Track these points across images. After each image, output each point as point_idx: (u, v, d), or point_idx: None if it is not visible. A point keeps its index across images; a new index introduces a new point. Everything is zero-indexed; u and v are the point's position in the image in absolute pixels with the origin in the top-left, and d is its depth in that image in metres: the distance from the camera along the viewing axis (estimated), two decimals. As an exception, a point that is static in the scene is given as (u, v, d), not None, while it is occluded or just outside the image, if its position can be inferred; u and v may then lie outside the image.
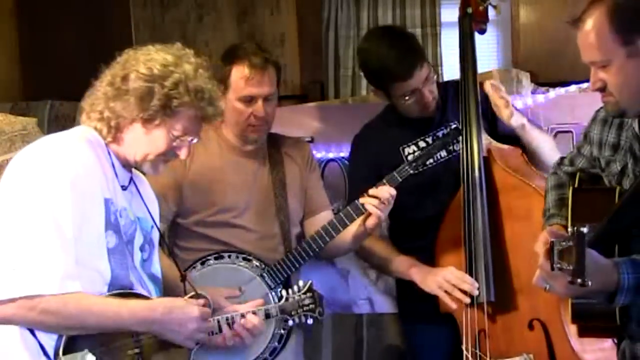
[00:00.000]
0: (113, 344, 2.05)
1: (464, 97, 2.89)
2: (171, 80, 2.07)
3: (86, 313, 1.97)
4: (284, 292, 2.46)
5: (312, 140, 3.53)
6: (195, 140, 2.18)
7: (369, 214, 2.70)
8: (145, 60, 2.09)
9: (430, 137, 2.96)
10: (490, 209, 2.79)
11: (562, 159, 2.54)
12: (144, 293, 2.16)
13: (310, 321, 2.45)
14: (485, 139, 2.88)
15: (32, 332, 1.97)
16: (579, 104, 3.41)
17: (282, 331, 2.73)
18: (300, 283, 2.47)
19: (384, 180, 2.70)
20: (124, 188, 2.15)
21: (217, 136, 2.91)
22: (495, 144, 2.92)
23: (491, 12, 3.03)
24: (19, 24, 4.81)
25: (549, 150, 2.95)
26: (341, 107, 3.83)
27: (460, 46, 2.96)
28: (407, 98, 2.87)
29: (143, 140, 2.11)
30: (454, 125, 2.92)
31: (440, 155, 2.95)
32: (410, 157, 2.91)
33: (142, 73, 2.07)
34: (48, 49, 4.69)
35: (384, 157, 2.91)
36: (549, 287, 2.00)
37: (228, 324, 2.37)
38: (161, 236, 2.33)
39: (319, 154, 3.54)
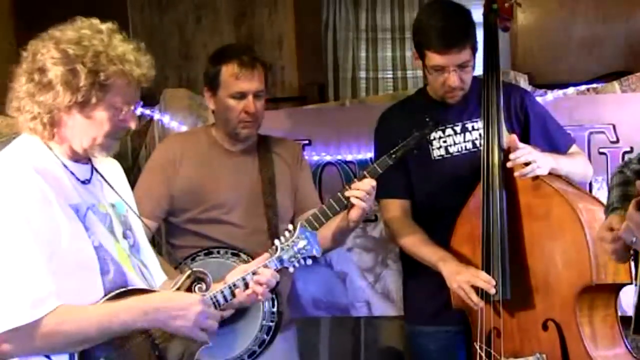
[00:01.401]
0: (127, 345, 2.03)
1: (487, 94, 2.88)
2: (90, 54, 1.97)
3: (84, 325, 1.95)
4: (277, 242, 2.44)
5: (309, 143, 3.54)
6: (137, 109, 2.10)
7: (352, 206, 2.72)
8: (56, 44, 1.99)
9: (459, 126, 2.96)
10: (509, 208, 2.79)
11: (630, 158, 2.55)
12: (142, 285, 2.13)
13: (309, 262, 2.44)
14: (506, 137, 2.87)
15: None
16: (577, 107, 3.41)
17: (270, 323, 2.80)
18: (290, 227, 2.47)
19: (364, 173, 2.72)
20: (86, 182, 2.09)
21: (207, 138, 3.05)
22: None
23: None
24: (17, 24, 4.80)
25: (581, 171, 2.99)
26: (339, 109, 3.83)
27: (485, 42, 2.93)
28: (434, 72, 2.87)
29: (87, 126, 2.02)
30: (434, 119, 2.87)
31: (464, 147, 2.96)
32: (435, 143, 2.93)
33: (58, 58, 1.98)
34: (46, 50, 4.67)
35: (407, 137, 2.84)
36: (635, 240, 1.99)
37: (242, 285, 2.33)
38: (154, 234, 2.28)
39: (316, 157, 3.55)
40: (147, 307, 2.03)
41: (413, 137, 2.79)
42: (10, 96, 2.06)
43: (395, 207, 2.98)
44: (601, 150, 3.31)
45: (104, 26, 2.05)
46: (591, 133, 3.33)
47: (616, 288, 2.75)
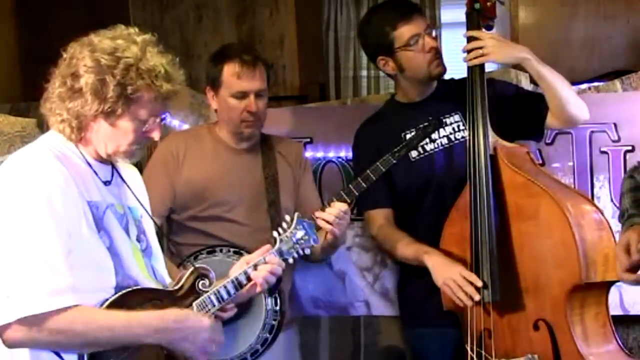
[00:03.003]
0: (136, 347, 2.04)
1: (471, 94, 2.86)
2: (121, 67, 1.99)
3: (95, 329, 1.96)
4: (275, 233, 2.43)
5: (310, 141, 3.53)
6: (164, 119, 2.13)
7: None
8: (91, 52, 2.01)
9: None
10: (498, 208, 2.78)
11: (639, 162, 2.55)
12: (152, 285, 2.14)
13: (307, 251, 2.44)
14: (492, 137, 2.86)
15: (55, 352, 1.97)
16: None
17: (273, 322, 2.79)
18: (287, 218, 2.46)
19: (368, 172, 2.72)
20: (107, 183, 2.12)
21: (210, 136, 3.05)
22: (502, 142, 2.90)
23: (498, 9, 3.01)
24: (18, 24, 4.80)
25: (573, 93, 2.95)
26: (340, 108, 3.82)
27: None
28: (412, 45, 2.89)
29: (111, 134, 2.05)
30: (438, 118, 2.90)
31: (440, 143, 2.97)
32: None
33: (90, 66, 2.00)
34: (47, 49, 4.68)
35: (387, 145, 2.85)
36: None
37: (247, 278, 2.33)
38: (158, 231, 2.30)
39: (317, 155, 3.54)
40: (160, 325, 2.05)
41: (416, 136, 2.79)
42: (45, 96, 2.09)
43: (380, 217, 3.00)
44: (602, 149, 3.30)
45: (140, 37, 2.06)
46: (592, 132, 3.31)
47: (606, 286, 2.74)
